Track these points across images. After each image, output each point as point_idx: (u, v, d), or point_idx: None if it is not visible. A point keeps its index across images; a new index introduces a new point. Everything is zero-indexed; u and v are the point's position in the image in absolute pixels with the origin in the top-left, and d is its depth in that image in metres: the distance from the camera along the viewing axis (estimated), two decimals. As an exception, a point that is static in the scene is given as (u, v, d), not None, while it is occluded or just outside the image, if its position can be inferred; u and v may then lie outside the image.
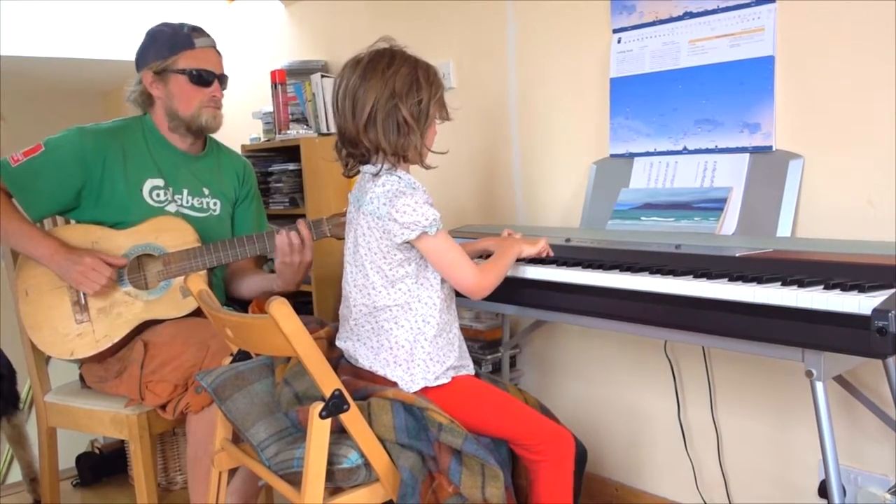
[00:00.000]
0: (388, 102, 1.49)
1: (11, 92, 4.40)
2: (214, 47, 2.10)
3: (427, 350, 1.52)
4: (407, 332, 1.52)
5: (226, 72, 2.11)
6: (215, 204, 2.14)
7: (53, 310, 1.94)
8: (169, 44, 2.02)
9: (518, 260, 1.73)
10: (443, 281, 1.56)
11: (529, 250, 1.72)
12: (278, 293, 2.10)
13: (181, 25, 2.05)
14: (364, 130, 1.50)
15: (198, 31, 2.06)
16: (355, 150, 1.55)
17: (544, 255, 1.75)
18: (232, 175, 2.21)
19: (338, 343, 1.63)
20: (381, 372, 1.52)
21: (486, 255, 1.81)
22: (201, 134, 2.12)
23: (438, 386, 1.52)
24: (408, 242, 1.48)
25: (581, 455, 1.57)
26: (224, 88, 2.10)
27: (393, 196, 1.46)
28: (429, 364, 1.52)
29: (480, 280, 1.54)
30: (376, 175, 1.51)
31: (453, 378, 1.55)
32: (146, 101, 2.08)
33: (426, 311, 1.53)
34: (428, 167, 1.60)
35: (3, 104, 4.25)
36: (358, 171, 1.60)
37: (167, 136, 2.09)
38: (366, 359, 1.55)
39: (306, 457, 1.33)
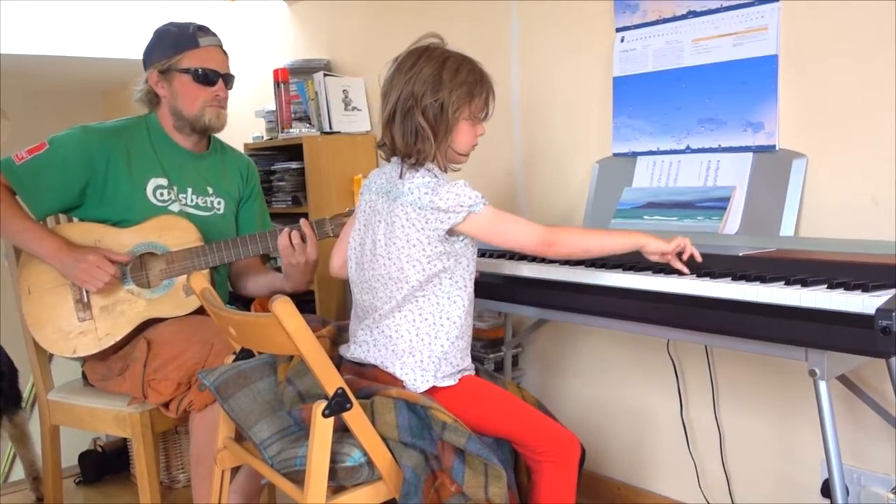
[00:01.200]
0: (406, 103, 1.47)
1: (14, 90, 4.40)
2: (220, 46, 2.09)
3: (445, 349, 1.51)
4: (430, 325, 1.50)
5: (232, 71, 2.11)
6: (219, 203, 2.15)
7: (56, 308, 1.94)
8: (174, 43, 2.02)
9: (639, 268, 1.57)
10: (473, 284, 1.55)
11: (659, 246, 1.49)
12: (287, 293, 2.11)
13: (187, 25, 2.05)
14: (386, 128, 1.51)
15: (203, 31, 2.06)
16: (384, 146, 1.55)
17: (685, 255, 1.50)
18: (236, 174, 2.21)
19: (350, 334, 1.62)
20: (390, 368, 1.51)
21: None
22: (205, 133, 2.12)
23: (444, 386, 1.52)
24: (453, 232, 1.46)
25: (580, 455, 1.56)
26: (229, 88, 2.10)
27: (435, 185, 1.45)
28: (441, 363, 1.51)
29: (546, 235, 1.48)
30: (401, 176, 1.50)
31: (460, 379, 1.54)
32: (152, 100, 2.08)
33: (453, 310, 1.52)
34: (447, 170, 1.56)
35: (5, 102, 4.26)
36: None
37: (172, 136, 2.09)
38: (379, 351, 1.53)
39: (309, 455, 1.33)
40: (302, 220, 1.97)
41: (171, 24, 2.07)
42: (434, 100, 1.46)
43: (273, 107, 2.96)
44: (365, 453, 1.39)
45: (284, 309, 1.27)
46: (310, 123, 2.94)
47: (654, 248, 1.50)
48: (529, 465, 1.53)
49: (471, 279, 1.55)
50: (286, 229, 1.95)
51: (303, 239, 1.95)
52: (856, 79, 1.70)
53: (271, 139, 2.99)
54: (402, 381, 1.51)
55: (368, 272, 1.56)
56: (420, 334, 1.51)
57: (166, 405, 1.89)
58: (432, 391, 1.51)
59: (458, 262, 1.51)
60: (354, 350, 1.58)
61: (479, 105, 1.53)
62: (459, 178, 1.49)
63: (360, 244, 1.60)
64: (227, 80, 2.08)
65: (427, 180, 1.47)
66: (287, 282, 2.03)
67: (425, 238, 1.47)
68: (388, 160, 1.58)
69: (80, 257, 1.87)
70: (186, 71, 2.01)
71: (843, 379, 1.70)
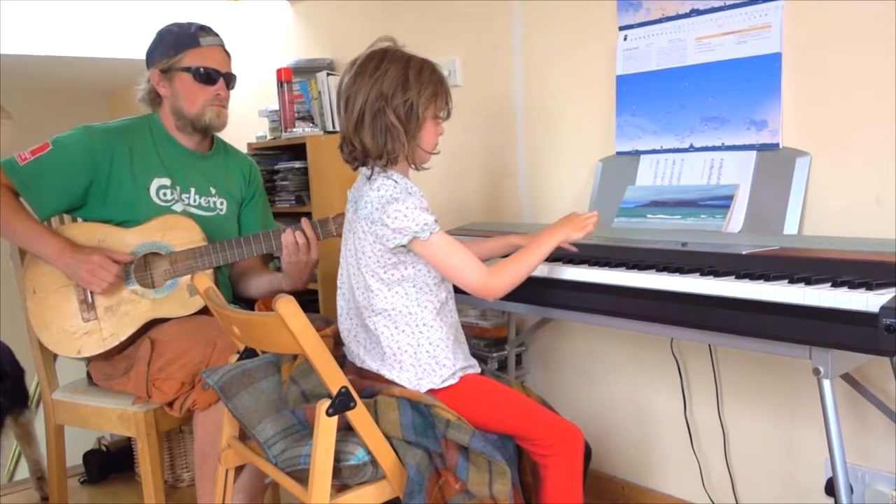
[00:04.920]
0: (376, 104, 1.47)
1: (17, 90, 4.41)
2: (222, 46, 2.10)
3: (432, 353, 1.51)
4: (408, 336, 1.51)
5: (233, 71, 2.11)
6: (222, 203, 2.15)
7: (60, 308, 1.95)
8: (175, 42, 2.03)
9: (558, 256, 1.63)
10: (441, 283, 1.55)
11: (575, 235, 1.61)
12: (286, 292, 2.11)
13: (189, 24, 2.06)
14: (355, 132, 1.50)
15: (205, 30, 2.06)
16: (351, 152, 1.54)
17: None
18: (238, 175, 2.22)
19: (344, 339, 1.63)
20: (388, 376, 1.52)
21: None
22: (207, 133, 2.12)
23: (446, 387, 1.52)
24: (403, 246, 1.47)
25: (586, 452, 1.56)
26: (231, 88, 2.10)
27: (386, 202, 1.45)
28: (435, 368, 1.52)
29: (489, 281, 1.50)
30: (369, 178, 1.50)
31: (461, 378, 1.54)
32: (155, 99, 2.09)
33: (426, 315, 1.52)
34: (419, 168, 1.57)
35: (9, 103, 4.27)
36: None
37: (175, 135, 2.10)
38: (374, 362, 1.55)
39: (313, 454, 1.33)
40: (303, 220, 1.97)
41: (174, 24, 2.08)
42: (404, 99, 1.47)
43: (276, 106, 2.97)
44: (369, 452, 1.40)
45: (288, 308, 1.27)
46: (313, 123, 2.94)
47: (575, 237, 1.62)
48: (535, 461, 1.53)
49: (436, 279, 1.53)
50: (290, 229, 1.96)
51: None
52: (859, 77, 1.69)
53: (274, 139, 2.99)
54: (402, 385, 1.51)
55: (352, 279, 1.57)
56: (402, 346, 1.51)
57: (170, 404, 1.89)
58: (433, 391, 1.51)
59: (416, 268, 1.51)
60: (353, 355, 1.60)
61: (441, 104, 1.55)
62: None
63: (344, 254, 1.61)
64: (229, 79, 2.09)
65: (382, 193, 1.46)
66: (286, 280, 2.04)
67: (377, 250, 1.48)
68: (355, 169, 1.58)
69: (84, 258, 1.88)
70: (187, 70, 2.02)
71: (847, 377, 1.70)
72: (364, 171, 1.54)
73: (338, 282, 1.63)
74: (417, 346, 1.51)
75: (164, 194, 2.04)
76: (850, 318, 1.23)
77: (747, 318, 1.37)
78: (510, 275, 1.53)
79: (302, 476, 1.38)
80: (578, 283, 1.63)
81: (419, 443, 1.42)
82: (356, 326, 1.58)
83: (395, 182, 1.48)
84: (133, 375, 1.92)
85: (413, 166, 1.57)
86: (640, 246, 1.72)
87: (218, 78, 2.05)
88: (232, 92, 2.11)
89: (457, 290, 1.60)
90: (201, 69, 2.02)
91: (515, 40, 2.44)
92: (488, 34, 2.52)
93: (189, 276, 1.93)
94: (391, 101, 1.47)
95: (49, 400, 2.08)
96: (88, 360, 2.06)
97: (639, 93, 2.08)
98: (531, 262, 1.56)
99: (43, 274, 1.95)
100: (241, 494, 1.84)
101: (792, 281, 1.36)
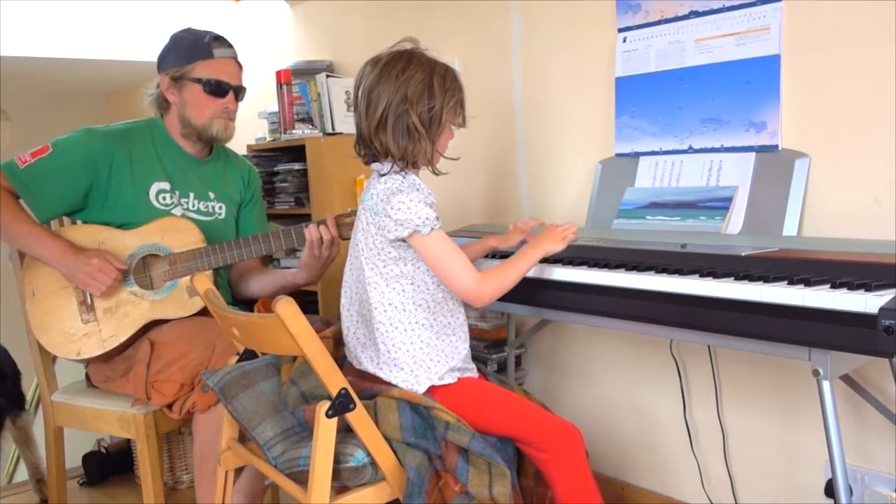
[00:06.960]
0: (399, 107, 1.48)
1: (17, 92, 4.41)
2: (235, 58, 2.10)
3: (426, 351, 1.52)
4: (402, 334, 1.51)
5: (244, 83, 2.10)
6: (220, 208, 2.15)
7: (60, 310, 1.95)
8: (188, 51, 2.02)
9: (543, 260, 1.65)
10: (439, 283, 1.55)
11: (555, 248, 1.63)
12: (299, 286, 2.12)
13: (204, 33, 2.05)
14: (375, 132, 1.51)
15: (219, 41, 2.06)
16: (368, 150, 1.55)
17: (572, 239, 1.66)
18: (237, 179, 2.22)
19: (345, 336, 1.63)
20: (385, 377, 1.52)
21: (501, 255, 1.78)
22: (211, 143, 2.13)
23: (444, 386, 1.52)
24: (402, 240, 1.48)
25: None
26: (240, 100, 2.10)
27: (391, 193, 1.47)
28: (430, 365, 1.52)
29: (479, 287, 1.51)
30: (384, 175, 1.52)
31: (459, 379, 1.54)
32: (162, 104, 2.09)
33: (419, 314, 1.52)
34: (438, 173, 1.59)
35: (8, 105, 4.27)
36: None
37: (177, 141, 2.10)
38: (371, 361, 1.55)
39: (313, 456, 1.33)
40: (328, 217, 2.00)
41: (188, 30, 2.07)
42: (429, 106, 1.49)
43: (276, 108, 2.96)
44: (368, 454, 1.40)
45: (288, 309, 1.27)
46: (312, 125, 2.94)
47: (555, 251, 1.62)
48: (538, 466, 1.53)
49: (434, 279, 1.54)
50: (312, 224, 1.99)
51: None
52: (858, 78, 1.70)
53: (274, 140, 2.99)
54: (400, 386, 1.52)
55: (354, 273, 1.58)
56: (396, 343, 1.52)
57: (170, 406, 1.89)
58: (432, 391, 1.51)
59: (416, 265, 1.52)
60: (352, 355, 1.60)
61: (460, 112, 1.58)
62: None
63: (351, 245, 1.62)
64: (238, 92, 2.09)
65: (388, 185, 1.48)
66: (302, 272, 2.06)
67: (378, 243, 1.50)
68: (367, 163, 1.59)
69: (85, 261, 1.88)
70: (198, 81, 2.01)
71: (846, 378, 1.70)
72: (377, 167, 1.55)
73: (343, 277, 1.64)
74: (411, 344, 1.52)
75: (164, 198, 2.04)
76: (849, 320, 1.23)
77: (746, 320, 1.37)
78: (498, 283, 1.55)
79: (301, 478, 1.38)
80: (578, 285, 1.63)
81: (419, 444, 1.42)
82: (356, 323, 1.58)
83: (403, 177, 1.50)
84: (132, 377, 1.92)
85: (431, 169, 1.58)
86: (639, 247, 1.72)
87: (228, 91, 2.05)
88: (239, 104, 2.11)
89: None
90: (212, 81, 2.02)
91: (514, 41, 2.44)
92: (488, 35, 2.52)
93: (188, 278, 1.93)
94: (416, 106, 1.48)
95: (48, 402, 2.08)
96: (87, 362, 2.06)
97: (638, 94, 2.08)
98: (518, 272, 1.57)
99: (42, 276, 1.95)
100: (241, 496, 1.84)
101: (791, 282, 1.36)
